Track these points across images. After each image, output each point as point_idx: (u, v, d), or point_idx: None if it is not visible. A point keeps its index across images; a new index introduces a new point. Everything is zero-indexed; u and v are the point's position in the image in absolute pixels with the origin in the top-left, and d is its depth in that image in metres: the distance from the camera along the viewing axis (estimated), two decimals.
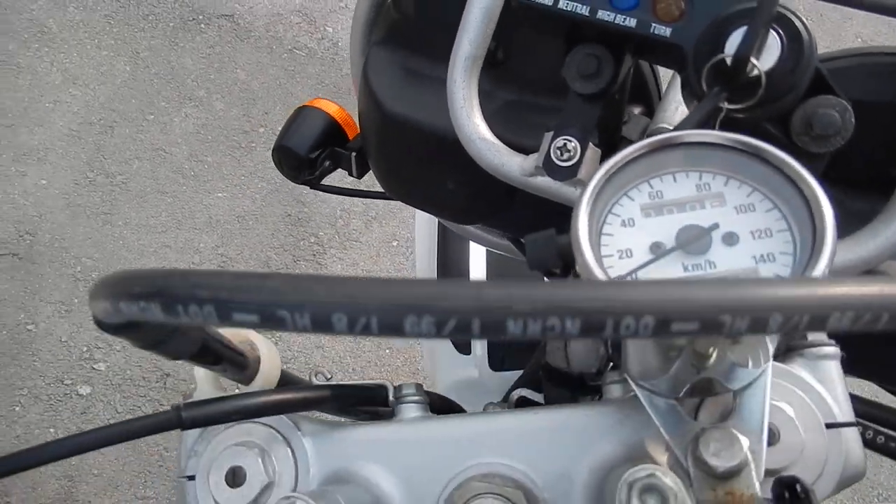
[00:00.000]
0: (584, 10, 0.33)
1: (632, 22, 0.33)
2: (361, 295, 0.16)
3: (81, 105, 1.93)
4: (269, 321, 0.17)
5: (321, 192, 0.62)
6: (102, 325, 0.22)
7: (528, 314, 0.15)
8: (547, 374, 0.43)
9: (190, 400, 0.31)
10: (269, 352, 0.36)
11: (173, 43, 2.08)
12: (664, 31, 0.32)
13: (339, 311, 0.16)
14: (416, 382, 0.37)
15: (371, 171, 0.58)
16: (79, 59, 2.01)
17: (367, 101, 0.50)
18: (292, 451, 0.34)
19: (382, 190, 0.58)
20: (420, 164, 0.49)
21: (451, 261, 0.71)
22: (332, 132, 0.60)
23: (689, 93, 0.33)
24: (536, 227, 0.52)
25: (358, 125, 0.57)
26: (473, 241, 0.64)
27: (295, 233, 1.83)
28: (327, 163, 0.60)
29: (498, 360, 0.67)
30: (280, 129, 0.59)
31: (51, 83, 1.95)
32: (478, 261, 0.70)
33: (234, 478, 0.33)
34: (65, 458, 0.31)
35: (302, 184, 0.60)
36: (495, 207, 0.50)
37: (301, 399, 0.34)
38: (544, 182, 0.40)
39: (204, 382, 0.35)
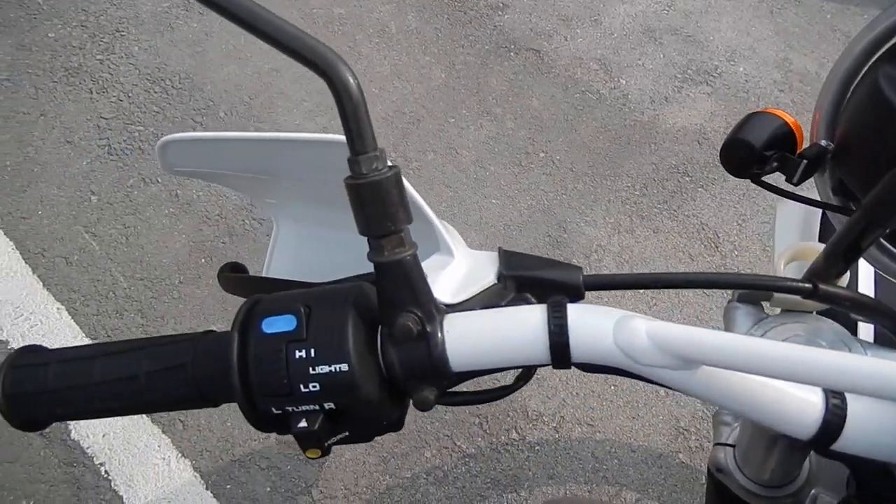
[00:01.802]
0: None
1: None
2: None
3: (399, 96, 2.21)
4: None
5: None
6: None
7: None
8: None
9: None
10: None
11: (484, 63, 2.32)
12: None
13: None
14: None
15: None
16: (406, 58, 2.31)
17: (876, 106, 0.57)
18: None
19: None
20: None
21: None
22: (786, 138, 0.68)
23: None
24: None
25: (838, 136, 0.63)
26: (872, 264, 0.68)
27: (550, 252, 1.94)
28: (775, 164, 0.67)
29: None
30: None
31: (380, 73, 2.26)
32: (866, 282, 0.73)
33: None
34: None
35: (745, 177, 0.68)
36: None
37: (737, 282, 0.41)
38: None
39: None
